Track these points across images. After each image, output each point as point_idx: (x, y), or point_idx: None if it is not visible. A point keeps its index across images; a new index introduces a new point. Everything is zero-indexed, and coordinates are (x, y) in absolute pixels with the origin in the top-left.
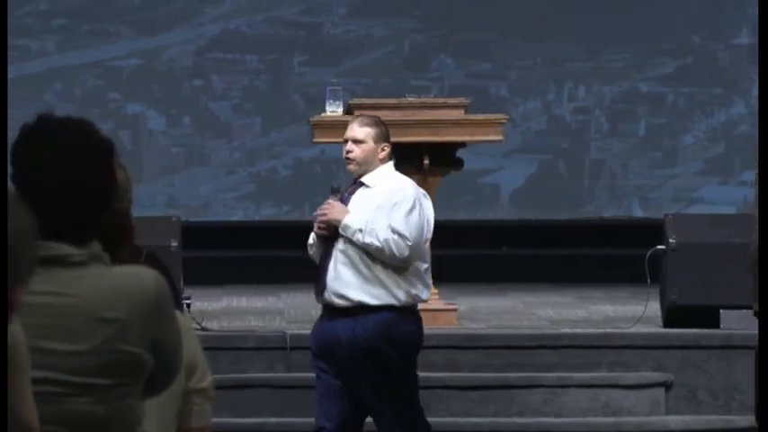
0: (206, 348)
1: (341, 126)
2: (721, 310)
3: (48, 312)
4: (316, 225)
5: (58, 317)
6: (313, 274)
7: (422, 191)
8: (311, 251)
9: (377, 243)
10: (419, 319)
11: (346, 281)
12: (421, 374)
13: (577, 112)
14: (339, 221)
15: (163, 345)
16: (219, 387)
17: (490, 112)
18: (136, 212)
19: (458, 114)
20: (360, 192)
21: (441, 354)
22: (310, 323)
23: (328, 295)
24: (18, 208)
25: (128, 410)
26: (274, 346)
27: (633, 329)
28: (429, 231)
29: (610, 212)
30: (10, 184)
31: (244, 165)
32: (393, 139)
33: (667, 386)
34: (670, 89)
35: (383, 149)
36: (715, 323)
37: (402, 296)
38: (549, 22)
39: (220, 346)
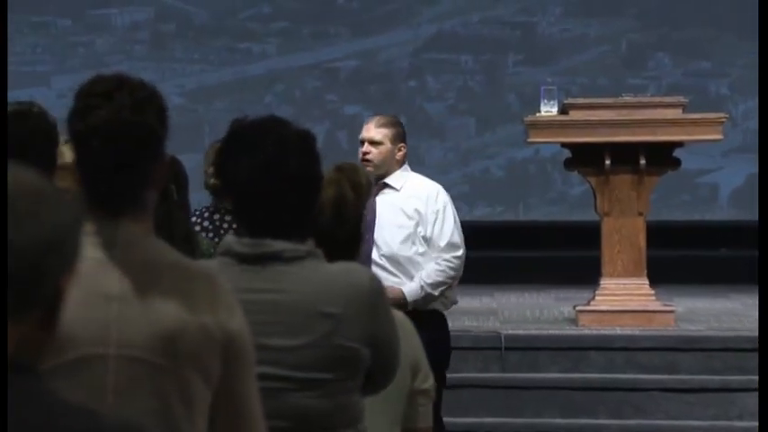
0: None
1: (556, 126)
2: None
3: (265, 309)
4: None
5: (276, 313)
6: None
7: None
8: None
9: (442, 279)
10: (444, 325)
11: None
12: (638, 376)
13: None
14: (401, 299)
15: (380, 341)
16: None
17: (709, 111)
18: None
19: (675, 113)
20: (386, 194)
21: (658, 355)
22: (525, 323)
23: None
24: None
25: (349, 406)
26: (489, 347)
27: None
28: None
29: None
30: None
31: (458, 165)
32: (609, 139)
33: None
34: None
35: (400, 150)
36: None
37: (435, 303)
38: None
39: None
